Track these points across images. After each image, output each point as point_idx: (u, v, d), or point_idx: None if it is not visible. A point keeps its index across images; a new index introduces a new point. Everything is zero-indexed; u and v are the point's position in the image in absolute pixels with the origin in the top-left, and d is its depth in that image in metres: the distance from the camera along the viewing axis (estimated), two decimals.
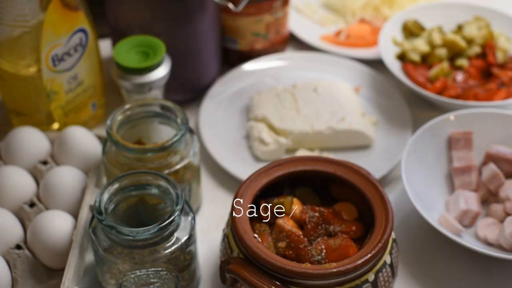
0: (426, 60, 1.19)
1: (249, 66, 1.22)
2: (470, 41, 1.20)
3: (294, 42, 1.31)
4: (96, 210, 0.79)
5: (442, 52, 1.18)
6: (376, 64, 1.25)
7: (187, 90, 1.17)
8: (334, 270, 0.77)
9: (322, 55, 1.24)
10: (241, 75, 1.21)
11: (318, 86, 1.14)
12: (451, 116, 1.05)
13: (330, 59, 1.23)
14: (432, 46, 1.19)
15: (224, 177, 1.06)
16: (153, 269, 0.80)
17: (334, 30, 1.32)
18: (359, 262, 0.78)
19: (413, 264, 0.95)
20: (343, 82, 1.18)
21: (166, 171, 0.91)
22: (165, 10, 1.05)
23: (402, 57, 1.20)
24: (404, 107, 1.14)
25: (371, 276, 0.80)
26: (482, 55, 1.19)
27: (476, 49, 1.19)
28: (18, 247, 0.87)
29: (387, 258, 0.82)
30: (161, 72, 1.02)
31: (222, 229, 0.93)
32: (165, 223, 0.78)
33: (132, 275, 0.80)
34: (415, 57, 1.18)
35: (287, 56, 1.25)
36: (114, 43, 1.12)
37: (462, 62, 1.17)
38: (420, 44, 1.19)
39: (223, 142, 1.10)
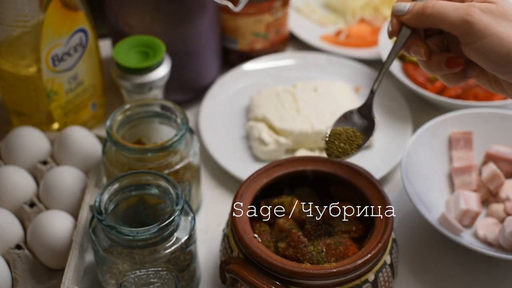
0: None
1: (249, 66, 1.22)
2: None
3: (294, 42, 1.31)
4: (96, 210, 0.79)
5: None
6: (376, 64, 1.25)
7: (187, 90, 1.17)
8: (334, 270, 0.77)
9: (322, 55, 1.24)
10: (241, 75, 1.21)
11: (318, 86, 1.14)
12: (451, 116, 1.05)
13: (330, 59, 1.23)
14: None
15: (224, 177, 1.06)
16: (153, 269, 0.80)
17: (334, 30, 1.32)
18: (359, 262, 0.78)
19: (413, 263, 0.95)
20: (342, 82, 1.18)
21: (166, 171, 0.91)
22: (165, 10, 1.05)
23: (402, 58, 1.20)
24: (404, 107, 1.14)
25: (371, 276, 0.80)
26: None
27: None
28: (18, 247, 0.87)
29: (387, 258, 0.82)
30: (161, 72, 1.02)
31: (222, 229, 0.93)
32: (165, 223, 0.78)
33: (132, 275, 0.80)
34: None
35: (287, 56, 1.25)
36: (114, 43, 1.12)
37: None
38: None
39: (223, 142, 1.10)
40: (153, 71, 1.01)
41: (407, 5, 0.76)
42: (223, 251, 0.86)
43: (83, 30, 1.01)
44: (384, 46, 1.20)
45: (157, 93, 1.04)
